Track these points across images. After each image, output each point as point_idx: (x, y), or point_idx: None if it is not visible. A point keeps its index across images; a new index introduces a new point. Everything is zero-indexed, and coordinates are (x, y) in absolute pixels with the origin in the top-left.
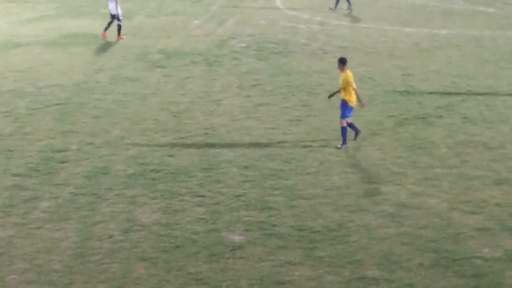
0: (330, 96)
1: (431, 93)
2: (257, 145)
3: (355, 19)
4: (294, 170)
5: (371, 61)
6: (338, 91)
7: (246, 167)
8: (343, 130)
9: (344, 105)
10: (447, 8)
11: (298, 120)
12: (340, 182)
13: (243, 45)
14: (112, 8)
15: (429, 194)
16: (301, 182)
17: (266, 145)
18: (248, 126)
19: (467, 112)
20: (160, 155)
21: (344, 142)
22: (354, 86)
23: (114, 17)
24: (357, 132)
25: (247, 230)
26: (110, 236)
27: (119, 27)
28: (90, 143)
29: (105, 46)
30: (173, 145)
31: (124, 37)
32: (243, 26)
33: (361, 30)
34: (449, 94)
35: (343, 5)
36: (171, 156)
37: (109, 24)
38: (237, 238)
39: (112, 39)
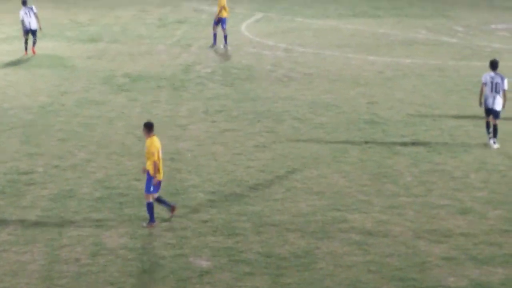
0: (144, 171)
1: (396, 121)
2: (224, 170)
3: (320, 46)
4: (260, 196)
5: (335, 89)
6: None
7: (213, 192)
8: (149, 206)
9: (149, 178)
10: (410, 37)
11: (264, 146)
12: (306, 209)
13: (208, 70)
14: (31, 24)
15: (395, 223)
16: (267, 209)
17: (232, 170)
18: (214, 152)
19: (431, 141)
20: (127, 179)
21: (151, 219)
22: (157, 156)
23: (34, 32)
24: (170, 207)
25: (214, 255)
26: (77, 260)
27: (35, 41)
28: (56, 166)
29: (70, 69)
30: (140, 169)
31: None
32: (208, 51)
33: (326, 57)
34: (414, 123)
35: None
36: (137, 180)
37: (31, 40)
38: (204, 263)
39: (76, 62)
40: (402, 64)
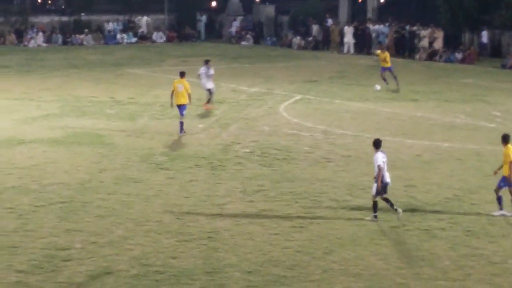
0: None
1: (433, 205)
2: (260, 250)
3: (359, 129)
4: (297, 277)
5: (373, 171)
6: None
7: (249, 272)
8: None
9: None
10: (449, 121)
11: (301, 227)
12: None
13: (246, 150)
14: (206, 83)
15: None
16: None
17: (269, 250)
18: (251, 231)
19: (469, 225)
20: (164, 256)
21: None
22: None
23: (210, 90)
24: None
25: None
26: None
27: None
28: (94, 242)
29: (110, 147)
30: (177, 247)
31: (210, 107)
32: (247, 131)
33: (364, 140)
34: (452, 207)
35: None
36: (174, 258)
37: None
38: None
39: (115, 140)
40: (440, 148)
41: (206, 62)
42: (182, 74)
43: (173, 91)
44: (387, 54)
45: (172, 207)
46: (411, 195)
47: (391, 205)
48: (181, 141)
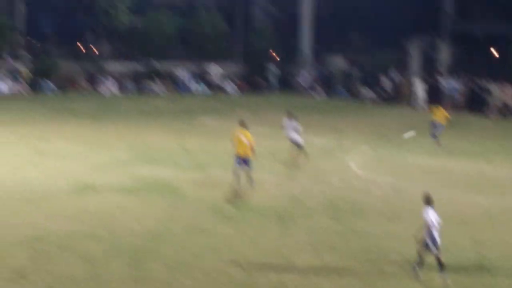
0: None
1: (504, 264)
2: None
3: (427, 185)
4: None
5: (441, 228)
6: None
7: None
8: None
9: None
10: None
11: (370, 282)
12: None
13: (314, 202)
14: (293, 136)
15: None
16: None
17: None
18: (319, 285)
19: None
20: None
21: None
22: None
23: (297, 144)
24: None
25: None
26: None
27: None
28: None
29: (179, 196)
30: None
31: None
32: (316, 183)
33: (433, 195)
34: None
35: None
36: None
37: (301, 151)
38: None
39: (184, 189)
40: (510, 204)
41: (289, 114)
42: (242, 124)
43: (234, 140)
44: (437, 109)
45: (240, 258)
46: (481, 253)
47: (420, 263)
48: (250, 192)
